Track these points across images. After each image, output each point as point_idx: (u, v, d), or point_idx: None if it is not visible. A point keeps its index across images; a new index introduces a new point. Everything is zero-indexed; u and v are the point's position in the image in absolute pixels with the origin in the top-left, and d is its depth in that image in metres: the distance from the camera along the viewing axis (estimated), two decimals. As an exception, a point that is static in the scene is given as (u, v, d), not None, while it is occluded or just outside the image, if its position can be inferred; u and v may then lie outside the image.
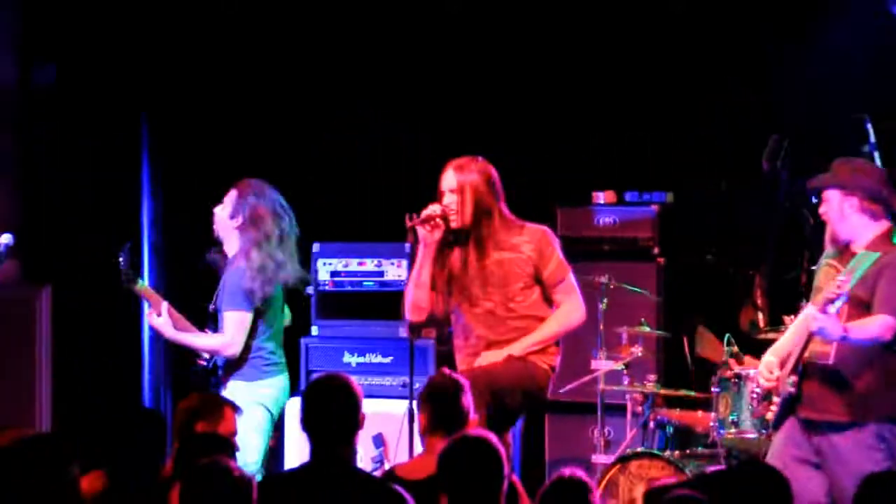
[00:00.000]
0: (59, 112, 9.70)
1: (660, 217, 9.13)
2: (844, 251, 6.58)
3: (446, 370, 6.13)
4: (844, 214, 6.56)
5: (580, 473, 4.97)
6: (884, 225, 6.57)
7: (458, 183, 7.07)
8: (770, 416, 6.63)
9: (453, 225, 7.08)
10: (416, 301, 7.13)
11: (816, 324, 6.28)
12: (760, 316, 8.23)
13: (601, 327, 8.43)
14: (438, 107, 9.69)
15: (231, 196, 7.66)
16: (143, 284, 7.76)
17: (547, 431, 9.11)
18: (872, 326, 6.34)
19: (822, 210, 6.64)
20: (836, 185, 6.60)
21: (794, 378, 6.51)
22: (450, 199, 7.08)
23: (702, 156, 9.32)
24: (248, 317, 7.55)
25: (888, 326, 6.36)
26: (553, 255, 7.10)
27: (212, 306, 7.74)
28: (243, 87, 9.93)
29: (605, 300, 8.46)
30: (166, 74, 9.87)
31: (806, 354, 6.47)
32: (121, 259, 7.61)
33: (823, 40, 9.01)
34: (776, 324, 7.82)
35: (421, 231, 7.07)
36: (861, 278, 6.30)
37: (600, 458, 8.43)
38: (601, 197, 9.26)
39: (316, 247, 8.96)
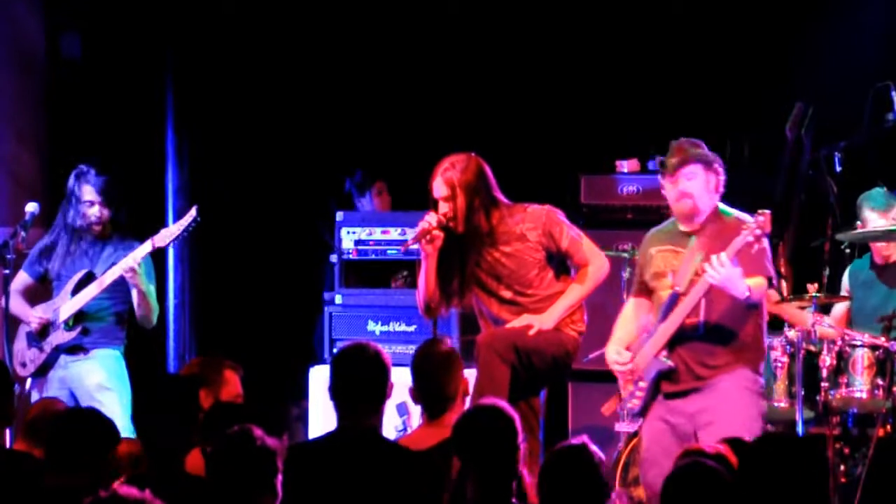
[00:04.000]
0: (84, 80, 9.72)
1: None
2: (674, 234, 6.67)
3: (440, 340, 6.10)
4: (710, 189, 6.62)
5: (586, 440, 4.95)
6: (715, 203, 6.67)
7: (447, 189, 7.00)
8: (634, 404, 6.67)
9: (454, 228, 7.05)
10: (427, 302, 7.16)
11: (723, 274, 6.32)
12: (784, 284, 8.21)
13: (625, 296, 8.42)
14: (457, 80, 9.68)
15: None
16: None
17: (570, 400, 9.12)
18: (762, 288, 6.51)
19: (684, 187, 6.60)
20: (700, 161, 6.63)
21: (665, 352, 6.58)
22: (444, 207, 7.03)
23: (724, 124, 9.30)
24: None
25: (766, 288, 6.59)
26: (563, 232, 7.08)
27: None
28: (266, 63, 9.97)
29: (629, 269, 8.45)
30: (189, 42, 9.89)
31: (674, 329, 6.53)
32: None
33: (847, 9, 8.99)
34: (800, 292, 7.82)
35: (421, 243, 7.07)
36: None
37: (623, 427, 8.44)
38: (624, 165, 9.24)
39: (340, 215, 8.96)
